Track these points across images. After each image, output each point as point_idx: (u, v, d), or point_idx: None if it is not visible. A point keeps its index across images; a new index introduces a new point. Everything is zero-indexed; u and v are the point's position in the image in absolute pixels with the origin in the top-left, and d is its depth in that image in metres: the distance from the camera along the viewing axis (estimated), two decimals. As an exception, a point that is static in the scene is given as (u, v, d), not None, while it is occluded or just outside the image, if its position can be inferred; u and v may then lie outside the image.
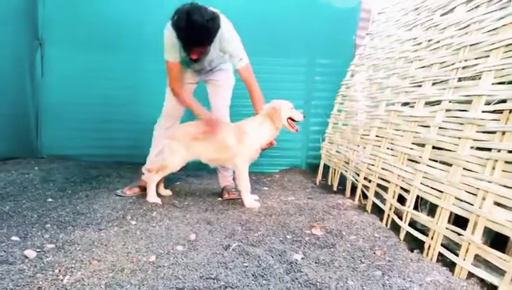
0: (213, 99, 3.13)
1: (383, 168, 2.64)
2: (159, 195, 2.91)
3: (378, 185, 2.69)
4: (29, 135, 4.30)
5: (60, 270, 1.65)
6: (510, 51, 1.82)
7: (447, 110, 2.13)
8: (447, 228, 1.89)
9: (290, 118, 2.85)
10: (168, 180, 3.22)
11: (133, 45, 4.26)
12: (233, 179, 3.18)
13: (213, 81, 3.11)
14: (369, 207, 2.75)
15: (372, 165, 2.79)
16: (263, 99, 2.92)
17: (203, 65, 2.93)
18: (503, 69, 1.82)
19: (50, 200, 2.71)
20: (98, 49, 4.26)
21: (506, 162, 1.64)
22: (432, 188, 2.07)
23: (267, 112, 2.82)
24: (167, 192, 3.08)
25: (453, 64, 2.22)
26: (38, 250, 1.85)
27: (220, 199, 3.04)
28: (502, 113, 1.74)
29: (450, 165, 1.97)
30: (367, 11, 4.36)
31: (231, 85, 3.15)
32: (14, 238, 1.98)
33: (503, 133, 1.70)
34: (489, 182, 1.68)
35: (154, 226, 2.28)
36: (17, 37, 4.01)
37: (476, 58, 2.05)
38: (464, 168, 1.87)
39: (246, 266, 1.77)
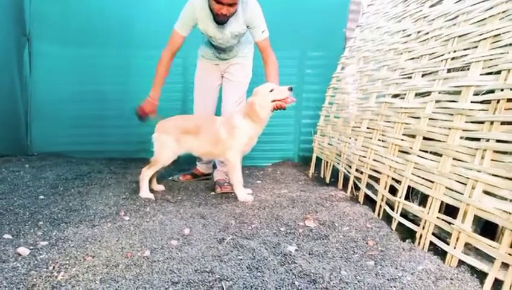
0: (224, 94, 3.20)
1: (374, 160, 2.67)
2: (151, 190, 2.91)
3: (370, 177, 2.72)
4: (19, 133, 4.24)
5: (54, 267, 1.65)
6: (498, 41, 1.84)
7: (437, 101, 2.16)
8: (438, 218, 1.92)
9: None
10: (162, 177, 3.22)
11: (124, 40, 4.21)
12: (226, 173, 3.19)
13: (229, 76, 3.16)
14: (361, 198, 2.78)
15: (364, 156, 2.81)
16: (278, 76, 2.90)
17: (227, 39, 2.90)
18: (491, 59, 1.84)
19: (42, 197, 2.69)
20: (87, 45, 4.20)
21: (495, 151, 1.67)
22: (422, 178, 2.10)
23: (244, 110, 2.80)
24: (160, 187, 3.07)
25: (442, 55, 2.25)
26: (31, 247, 1.83)
27: (213, 193, 3.04)
28: (490, 103, 1.77)
29: (441, 155, 2.00)
30: (357, 3, 4.36)
31: (246, 82, 3.19)
32: (6, 236, 1.96)
33: (492, 123, 1.73)
34: (479, 171, 1.71)
35: (147, 221, 2.28)
36: (4, 33, 3.93)
37: (465, 49, 2.07)
38: (454, 158, 1.90)
39: (241, 259, 1.78)
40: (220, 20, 2.71)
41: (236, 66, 3.15)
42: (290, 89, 2.72)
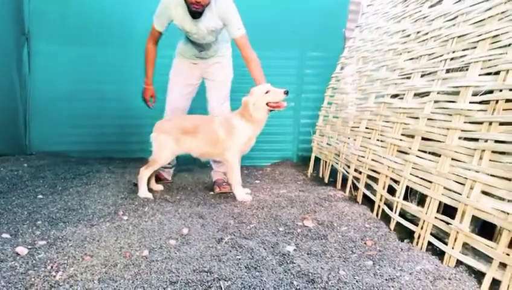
0: (210, 98, 3.19)
1: (373, 160, 2.67)
2: (150, 190, 2.91)
3: (369, 177, 2.72)
4: (17, 132, 4.23)
5: (52, 267, 1.65)
6: (497, 42, 1.84)
7: (436, 102, 2.16)
8: (436, 218, 1.92)
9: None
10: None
11: (123, 38, 4.21)
12: (225, 173, 3.19)
13: (210, 76, 3.16)
14: (359, 198, 2.78)
15: (363, 156, 2.81)
16: (262, 72, 2.92)
17: (203, 35, 2.91)
18: (490, 60, 1.85)
19: (40, 196, 2.69)
20: (86, 44, 4.20)
21: (493, 151, 1.68)
22: (421, 178, 2.10)
23: (239, 109, 2.82)
24: (159, 187, 3.07)
25: (441, 55, 2.25)
26: (29, 247, 1.83)
27: (211, 193, 3.04)
28: (488, 103, 1.77)
29: (439, 155, 2.00)
30: (356, 4, 4.36)
31: (228, 82, 3.19)
32: (4, 235, 1.96)
33: (490, 123, 1.73)
34: (477, 171, 1.71)
35: (146, 221, 2.28)
36: (3, 32, 3.92)
37: (464, 50, 2.07)
38: (452, 159, 1.90)
39: (239, 259, 1.78)
40: (195, 11, 2.71)
41: (216, 66, 3.15)
42: (286, 93, 2.71)
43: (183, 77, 3.18)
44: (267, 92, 2.73)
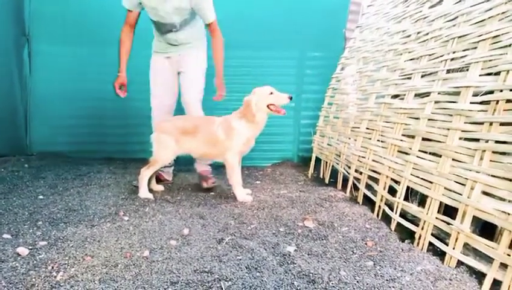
0: (185, 92, 3.16)
1: (373, 160, 2.67)
2: (151, 190, 2.91)
3: (369, 177, 2.72)
4: (18, 132, 4.24)
5: (53, 267, 1.65)
6: (497, 42, 1.84)
7: (436, 102, 2.16)
8: (436, 218, 1.92)
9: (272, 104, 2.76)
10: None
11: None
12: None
13: (185, 70, 3.13)
14: (360, 199, 2.78)
15: (363, 157, 2.81)
16: (222, 58, 3.08)
17: (170, 15, 2.90)
18: (490, 60, 1.85)
19: (41, 197, 2.69)
20: (87, 44, 4.21)
21: (494, 152, 1.68)
22: (422, 179, 2.10)
23: (240, 109, 2.82)
24: (159, 187, 3.07)
25: (441, 56, 2.25)
26: (30, 247, 1.83)
27: (212, 193, 3.04)
28: (489, 104, 1.77)
29: (440, 156, 2.00)
30: (357, 4, 4.36)
31: (202, 74, 3.17)
32: (5, 236, 1.96)
33: (491, 123, 1.73)
34: (478, 172, 1.71)
35: (147, 221, 2.28)
36: (3, 32, 3.93)
37: (464, 50, 2.07)
38: (453, 159, 1.90)
39: (240, 259, 1.78)
40: None
41: (190, 59, 3.13)
42: (290, 98, 2.74)
43: (160, 74, 3.18)
44: (270, 94, 2.75)
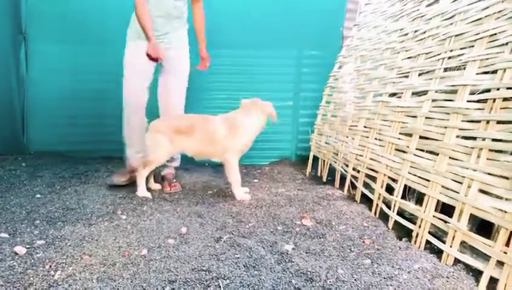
0: (169, 93, 3.10)
1: (371, 159, 2.67)
2: (148, 189, 2.91)
3: (367, 175, 2.73)
4: (15, 131, 4.22)
5: (50, 266, 1.65)
6: (494, 41, 1.85)
7: (433, 100, 2.16)
8: (434, 216, 1.93)
9: None
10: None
11: (121, 38, 4.18)
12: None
13: (171, 66, 3.05)
14: (358, 197, 2.78)
15: (361, 155, 2.82)
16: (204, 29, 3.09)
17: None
18: (487, 58, 1.85)
19: (38, 196, 2.68)
20: (84, 43, 4.17)
21: (491, 150, 1.68)
22: (419, 177, 2.11)
23: (250, 104, 2.88)
24: (157, 186, 3.07)
25: (438, 54, 2.25)
26: (28, 246, 1.83)
27: (210, 192, 3.04)
28: (486, 102, 1.77)
29: (437, 154, 2.00)
30: (354, 2, 4.36)
31: (185, 75, 3.13)
32: (3, 235, 1.96)
33: (488, 122, 1.73)
34: (475, 170, 1.72)
35: (144, 220, 2.28)
36: (0, 31, 3.92)
37: (461, 49, 2.07)
38: (450, 157, 1.91)
39: (238, 258, 1.78)
40: None
41: (177, 55, 3.05)
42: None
43: (139, 65, 2.98)
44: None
